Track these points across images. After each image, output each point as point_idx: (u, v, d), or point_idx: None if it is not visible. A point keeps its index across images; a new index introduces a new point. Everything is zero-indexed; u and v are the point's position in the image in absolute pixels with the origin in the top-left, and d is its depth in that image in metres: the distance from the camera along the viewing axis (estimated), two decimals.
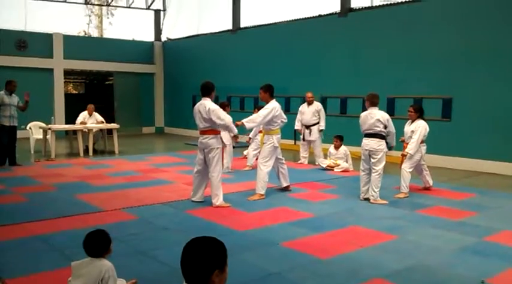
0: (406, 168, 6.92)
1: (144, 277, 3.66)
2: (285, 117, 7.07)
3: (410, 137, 6.91)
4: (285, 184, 7.21)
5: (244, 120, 6.68)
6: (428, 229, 5.26)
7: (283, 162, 7.18)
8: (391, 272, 3.91)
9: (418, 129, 6.85)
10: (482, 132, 9.48)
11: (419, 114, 7.03)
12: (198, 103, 6.27)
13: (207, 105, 6.11)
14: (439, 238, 4.93)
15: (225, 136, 7.45)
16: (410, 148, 6.83)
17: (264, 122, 6.73)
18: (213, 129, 6.18)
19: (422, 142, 6.93)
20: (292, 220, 5.56)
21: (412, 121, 7.03)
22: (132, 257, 4.17)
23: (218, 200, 6.15)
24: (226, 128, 6.36)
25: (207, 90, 6.24)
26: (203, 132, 6.22)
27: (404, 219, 5.68)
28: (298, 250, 4.46)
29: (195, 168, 6.45)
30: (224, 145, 6.94)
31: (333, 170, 9.11)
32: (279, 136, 6.90)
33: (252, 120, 6.71)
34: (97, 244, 2.96)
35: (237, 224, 5.31)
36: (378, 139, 6.52)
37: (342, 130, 9.96)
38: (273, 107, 6.72)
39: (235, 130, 6.45)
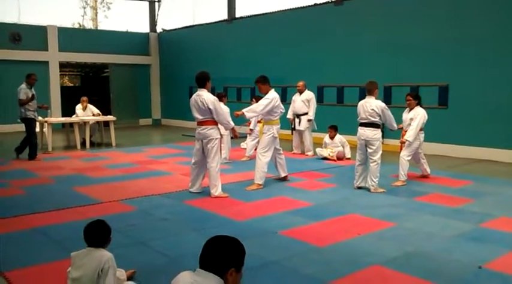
0: (405, 156, 6.93)
1: (143, 267, 3.68)
2: (282, 107, 7.07)
3: (409, 125, 6.90)
4: (283, 175, 7.22)
5: (244, 110, 6.69)
6: (426, 216, 5.28)
7: (281, 152, 7.19)
8: (389, 259, 3.93)
9: (417, 116, 6.84)
10: (479, 119, 9.49)
11: (418, 101, 7.02)
12: (194, 95, 6.25)
13: (204, 96, 6.09)
14: (437, 224, 4.95)
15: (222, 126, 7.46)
16: (409, 136, 6.83)
17: (263, 112, 6.74)
18: (211, 120, 6.17)
19: (420, 129, 6.94)
20: (290, 209, 5.58)
21: (411, 109, 7.03)
22: (131, 248, 4.18)
23: (217, 190, 6.16)
24: (221, 124, 6.34)
25: (202, 81, 6.22)
26: (201, 123, 6.20)
27: (401, 207, 5.70)
28: (297, 238, 4.48)
29: (192, 159, 6.45)
30: (221, 136, 6.91)
31: (329, 158, 9.13)
32: (279, 126, 6.93)
33: (252, 110, 6.73)
34: (97, 233, 2.97)
35: (235, 214, 5.33)
36: (373, 129, 6.48)
37: (339, 119, 9.97)
38: (273, 97, 6.73)
39: (231, 126, 6.41)
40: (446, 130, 9.94)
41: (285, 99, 12.24)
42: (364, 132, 6.54)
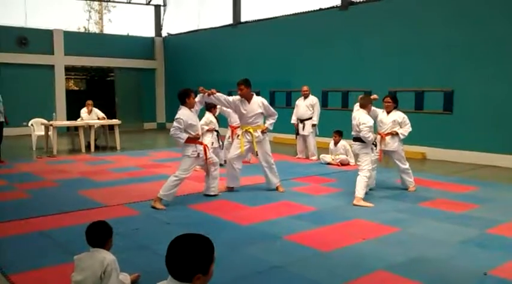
0: (404, 165, 6.82)
1: (147, 271, 3.66)
2: None
3: (391, 128, 6.73)
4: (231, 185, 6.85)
5: (267, 124, 6.71)
6: (431, 221, 5.26)
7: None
8: (394, 264, 3.91)
9: (404, 120, 6.71)
10: (485, 125, 9.45)
11: (396, 104, 6.91)
12: None
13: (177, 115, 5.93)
14: (442, 230, 4.93)
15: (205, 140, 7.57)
16: (402, 133, 6.69)
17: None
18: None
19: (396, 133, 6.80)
20: (294, 213, 5.57)
21: (388, 112, 6.86)
22: (135, 252, 4.18)
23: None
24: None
25: (181, 99, 6.01)
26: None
27: (406, 212, 5.68)
28: (301, 243, 4.47)
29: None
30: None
31: (333, 163, 9.14)
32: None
33: (272, 119, 6.79)
34: (98, 233, 3.02)
35: (239, 219, 5.32)
36: (359, 143, 6.32)
37: (343, 124, 9.92)
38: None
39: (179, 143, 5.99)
40: (452, 135, 9.91)
41: (290, 104, 12.27)
42: (352, 145, 6.48)
